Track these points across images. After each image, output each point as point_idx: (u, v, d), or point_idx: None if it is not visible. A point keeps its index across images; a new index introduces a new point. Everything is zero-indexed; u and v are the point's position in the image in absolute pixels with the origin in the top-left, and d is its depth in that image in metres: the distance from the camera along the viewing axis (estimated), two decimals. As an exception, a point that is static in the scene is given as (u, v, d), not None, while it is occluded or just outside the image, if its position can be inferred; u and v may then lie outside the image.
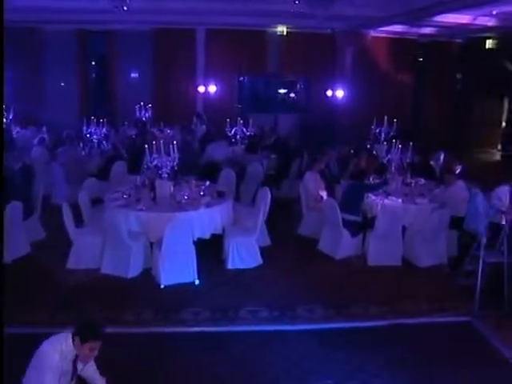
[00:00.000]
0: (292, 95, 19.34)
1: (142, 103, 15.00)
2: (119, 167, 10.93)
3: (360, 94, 17.75)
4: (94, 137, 11.93)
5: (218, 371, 5.39)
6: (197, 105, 17.67)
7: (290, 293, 7.26)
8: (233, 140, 12.25)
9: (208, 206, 8.14)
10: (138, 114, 14.88)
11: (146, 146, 8.52)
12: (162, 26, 16.61)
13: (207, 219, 8.05)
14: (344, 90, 17.68)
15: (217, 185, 9.48)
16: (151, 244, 7.88)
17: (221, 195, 8.67)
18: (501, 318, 6.58)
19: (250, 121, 12.54)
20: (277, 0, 13.32)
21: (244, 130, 12.28)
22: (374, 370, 5.45)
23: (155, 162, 8.48)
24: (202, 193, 8.49)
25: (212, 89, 17.56)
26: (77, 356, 3.98)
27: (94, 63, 17.97)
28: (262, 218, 8.10)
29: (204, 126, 15.35)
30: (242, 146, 12.27)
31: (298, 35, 17.21)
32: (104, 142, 11.96)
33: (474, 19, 13.51)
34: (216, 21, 16.05)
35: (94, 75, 18.14)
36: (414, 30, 16.66)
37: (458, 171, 9.61)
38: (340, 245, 8.49)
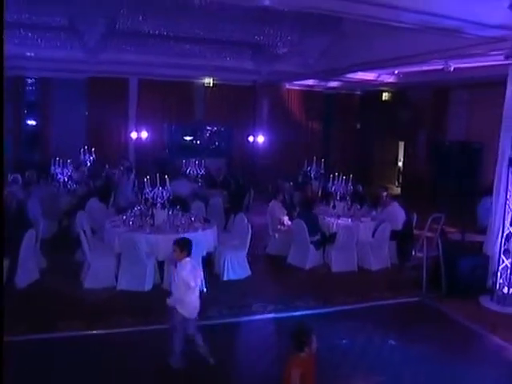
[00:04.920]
0: (217, 141, 21.86)
1: (85, 147, 16.50)
2: (94, 203, 12.47)
3: (277, 139, 20.75)
4: (60, 176, 13.41)
5: (258, 345, 7.47)
6: (129, 150, 19.47)
7: (284, 292, 9.53)
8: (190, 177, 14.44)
9: (203, 229, 10.19)
10: (82, 157, 16.32)
11: (147, 179, 10.36)
12: (96, 75, 18.34)
13: (204, 239, 10.07)
14: (263, 136, 20.56)
15: (191, 214, 11.49)
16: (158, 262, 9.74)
17: (207, 221, 10.76)
18: (441, 297, 9.37)
19: (203, 162, 14.81)
20: (207, 55, 15.88)
21: (198, 169, 14.49)
22: (369, 332, 7.87)
23: (151, 194, 10.42)
24: (192, 219, 10.51)
25: (143, 135, 19.50)
26: None
27: (27, 108, 19.14)
28: (250, 235, 10.29)
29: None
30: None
31: (222, 86, 19.87)
32: (69, 182, 13.48)
33: (378, 76, 17.09)
34: (148, 71, 18.19)
35: (27, 120, 19.30)
36: (323, 83, 20.10)
37: (385, 195, 12.60)
38: (308, 257, 10.93)
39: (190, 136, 21.53)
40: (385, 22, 8.96)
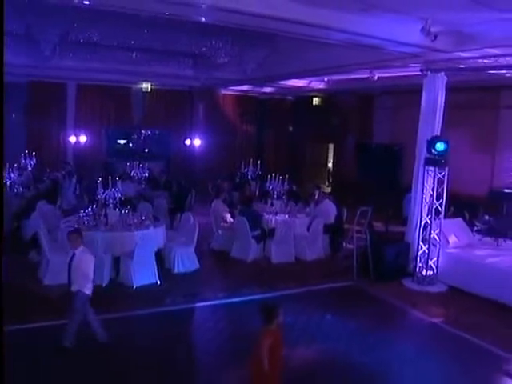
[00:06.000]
0: (155, 144, 22.71)
1: (26, 152, 16.97)
2: (43, 205, 13.10)
3: (214, 142, 21.89)
4: (6, 180, 13.95)
5: (219, 330, 8.60)
6: (68, 154, 19.99)
7: (230, 282, 10.70)
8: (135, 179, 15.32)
9: (154, 226, 11.16)
10: (23, 161, 16.77)
11: (99, 181, 11.22)
12: (35, 78, 18.75)
13: (155, 236, 11.04)
14: (201, 139, 21.65)
15: (141, 213, 12.40)
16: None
17: (157, 220, 11.73)
18: (370, 282, 10.83)
19: (146, 165, 15.72)
20: (148, 62, 16.79)
21: (141, 172, 15.40)
22: (309, 311, 9.16)
23: (105, 195, 11.29)
24: (143, 217, 11.45)
25: (82, 139, 20.09)
26: None
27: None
28: (197, 232, 11.35)
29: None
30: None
31: (160, 91, 20.76)
32: (15, 185, 14.04)
33: (309, 83, 18.57)
34: (86, 77, 18.81)
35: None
36: (257, 89, 21.43)
37: (318, 193, 14.04)
38: (250, 251, 12.13)
39: (128, 140, 22.33)
40: (316, 39, 10.35)
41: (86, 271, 7.48)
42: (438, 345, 8.29)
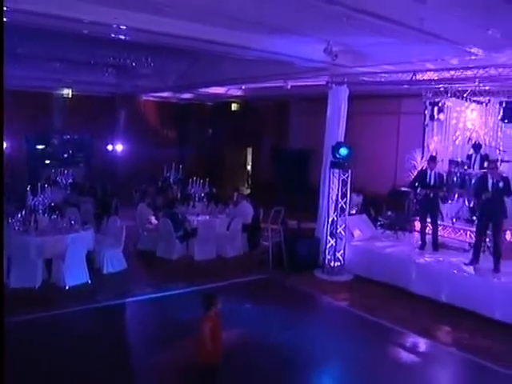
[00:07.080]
0: (78, 150, 23.10)
1: None
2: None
3: (137, 148, 22.62)
4: None
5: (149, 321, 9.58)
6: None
7: (158, 279, 11.68)
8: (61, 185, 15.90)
9: (84, 230, 11.93)
10: None
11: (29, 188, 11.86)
12: None
13: (85, 239, 11.80)
14: (124, 145, 22.35)
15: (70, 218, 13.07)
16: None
17: (85, 224, 12.50)
18: (285, 274, 12.13)
19: (71, 171, 16.33)
20: (69, 71, 17.40)
21: (66, 178, 16.01)
22: (230, 302, 10.20)
23: (34, 201, 11.93)
24: (72, 222, 12.17)
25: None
26: None
27: None
28: (124, 234, 12.22)
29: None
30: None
31: (81, 97, 21.26)
32: None
33: (228, 90, 19.75)
34: (4, 82, 19.04)
35: None
36: (177, 95, 22.39)
37: (236, 195, 15.27)
38: (174, 250, 13.15)
39: (48, 145, 22.52)
40: (231, 56, 11.58)
41: None
42: (344, 324, 9.80)
